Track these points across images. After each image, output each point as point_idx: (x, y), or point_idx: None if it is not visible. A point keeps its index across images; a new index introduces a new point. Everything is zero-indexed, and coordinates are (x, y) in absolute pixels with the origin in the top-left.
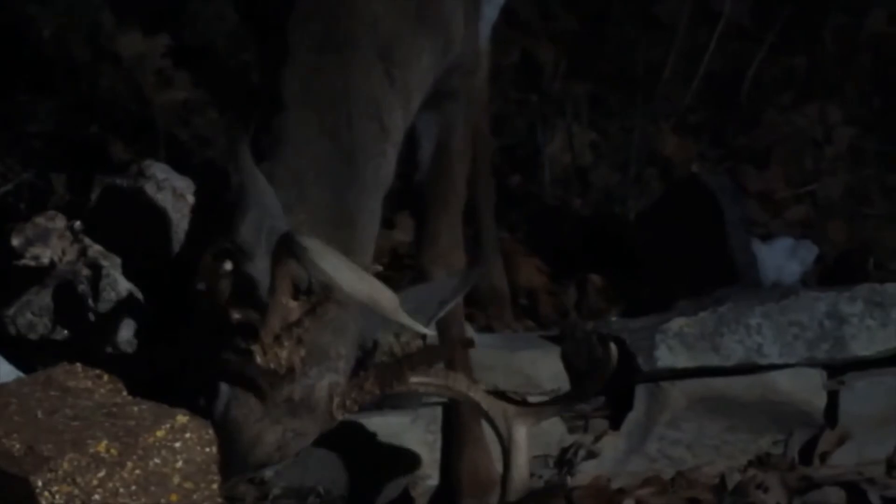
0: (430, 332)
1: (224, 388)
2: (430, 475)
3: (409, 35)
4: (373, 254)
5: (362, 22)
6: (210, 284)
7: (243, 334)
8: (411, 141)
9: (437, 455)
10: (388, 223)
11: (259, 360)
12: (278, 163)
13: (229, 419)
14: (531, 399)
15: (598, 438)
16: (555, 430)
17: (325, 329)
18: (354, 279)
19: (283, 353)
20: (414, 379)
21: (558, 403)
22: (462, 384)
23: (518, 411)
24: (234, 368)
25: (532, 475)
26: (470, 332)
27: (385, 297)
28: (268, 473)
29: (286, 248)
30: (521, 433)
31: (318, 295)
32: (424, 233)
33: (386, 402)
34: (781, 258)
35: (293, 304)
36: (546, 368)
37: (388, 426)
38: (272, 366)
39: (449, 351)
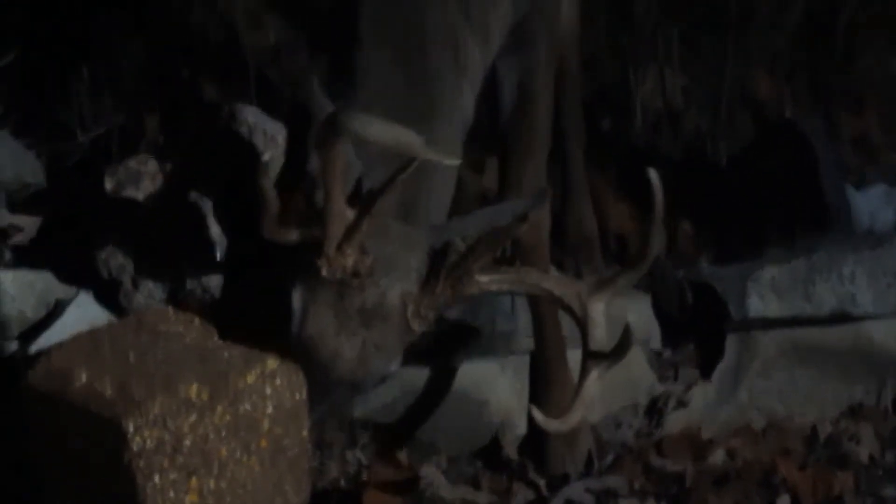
0: (456, 161)
1: (296, 306)
2: (518, 423)
3: None
4: (453, 187)
5: None
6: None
7: (311, 253)
8: (493, 86)
9: (525, 402)
10: (477, 167)
11: (325, 272)
12: (353, 99)
13: (305, 337)
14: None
15: (688, 388)
16: (645, 379)
17: (391, 242)
18: (381, 128)
19: (349, 262)
20: (483, 277)
21: (629, 271)
22: (532, 275)
23: (592, 288)
24: (303, 284)
25: (621, 424)
26: (554, 272)
27: (410, 137)
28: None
29: (327, 131)
30: (597, 309)
31: (372, 195)
32: (507, 179)
33: (476, 349)
34: (876, 205)
35: (348, 209)
36: (636, 316)
37: (478, 374)
38: (339, 275)
39: (509, 231)
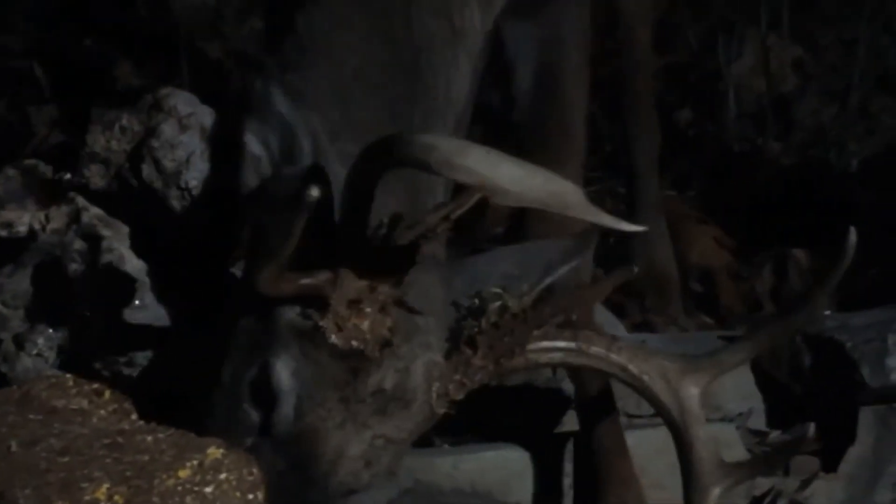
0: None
1: (286, 385)
2: None
3: None
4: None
5: None
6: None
7: (308, 305)
8: (502, 63)
9: None
10: None
11: (334, 339)
12: (311, 76)
13: (302, 428)
14: (711, 427)
15: (805, 484)
16: None
17: (406, 291)
18: (521, 173)
19: (365, 325)
20: (533, 345)
21: (743, 348)
22: (599, 342)
23: (682, 369)
24: (292, 353)
25: None
26: (619, 328)
27: (568, 190)
28: None
29: (392, 154)
30: (692, 396)
31: (425, 225)
32: None
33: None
34: None
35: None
36: (729, 384)
37: (502, 466)
38: (354, 344)
39: (596, 291)
